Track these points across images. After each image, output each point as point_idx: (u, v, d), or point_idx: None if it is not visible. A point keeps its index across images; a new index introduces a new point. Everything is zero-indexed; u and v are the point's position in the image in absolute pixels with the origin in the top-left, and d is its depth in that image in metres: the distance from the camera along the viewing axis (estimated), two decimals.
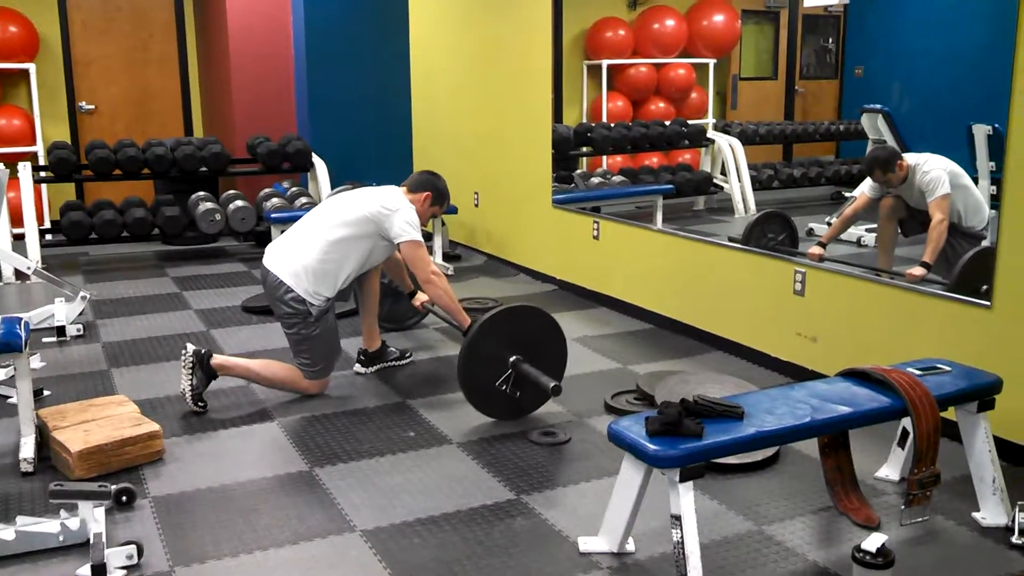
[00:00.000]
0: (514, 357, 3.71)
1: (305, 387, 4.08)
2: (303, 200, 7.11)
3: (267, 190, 7.34)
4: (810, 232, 5.52)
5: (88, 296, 5.21)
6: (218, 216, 6.96)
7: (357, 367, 4.48)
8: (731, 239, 4.97)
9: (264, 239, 7.12)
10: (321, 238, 3.97)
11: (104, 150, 6.99)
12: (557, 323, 3.88)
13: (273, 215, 6.40)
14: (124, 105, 8.82)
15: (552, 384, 3.58)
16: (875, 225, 4.80)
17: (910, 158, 4.48)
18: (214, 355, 3.94)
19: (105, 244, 6.98)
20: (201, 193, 7.19)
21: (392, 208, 3.95)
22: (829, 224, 5.00)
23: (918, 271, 4.06)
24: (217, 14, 8.19)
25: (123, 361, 4.61)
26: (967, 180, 4.42)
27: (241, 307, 5.61)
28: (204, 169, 7.20)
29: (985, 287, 3.38)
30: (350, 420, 3.83)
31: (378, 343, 4.48)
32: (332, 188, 7.19)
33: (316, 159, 7.42)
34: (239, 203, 7.08)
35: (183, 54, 8.97)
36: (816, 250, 4.58)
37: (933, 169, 4.40)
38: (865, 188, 4.67)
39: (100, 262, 7.12)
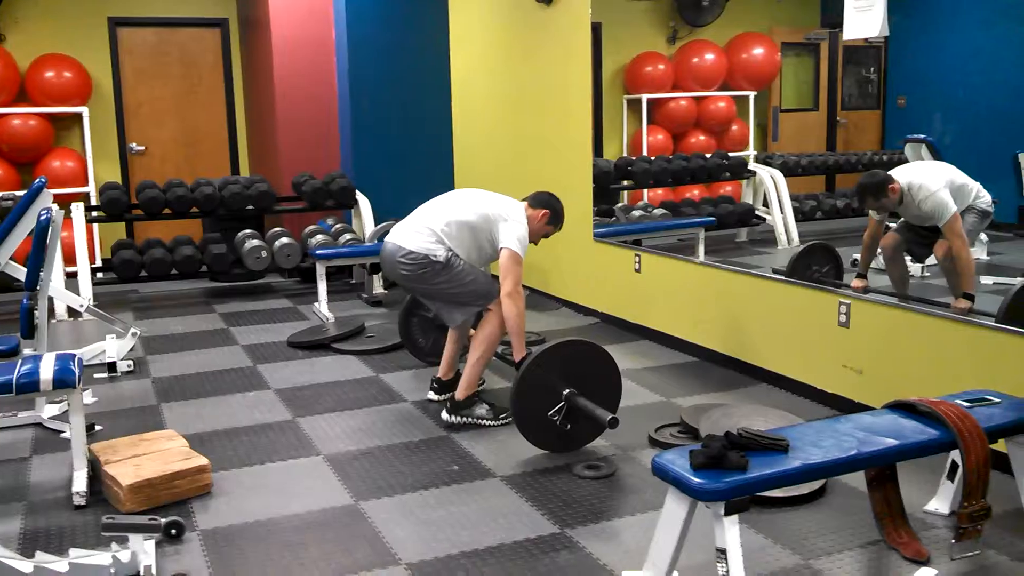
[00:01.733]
0: (568, 390, 3.72)
1: (497, 325, 4.10)
2: (347, 236, 7.21)
3: (312, 227, 7.45)
4: (854, 263, 5.48)
5: (138, 332, 5.32)
6: (264, 253, 7.07)
7: (430, 394, 4.53)
8: (775, 271, 4.95)
9: (309, 275, 7.22)
10: (443, 218, 4.08)
11: (154, 190, 7.15)
12: (611, 357, 3.88)
13: (318, 251, 6.49)
14: (173, 146, 9.03)
15: (609, 417, 3.59)
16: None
17: (901, 178, 4.40)
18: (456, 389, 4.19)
19: (155, 281, 7.12)
20: (247, 231, 7.32)
21: (508, 217, 4.05)
22: (854, 261, 4.97)
23: (963, 304, 4.01)
24: (263, 56, 8.38)
25: (172, 396, 4.69)
26: (959, 175, 4.36)
27: (287, 342, 5.68)
28: (251, 207, 7.33)
29: None
30: (394, 453, 3.86)
31: (453, 373, 4.52)
32: (376, 224, 7.28)
33: (360, 196, 7.53)
34: (285, 240, 7.20)
35: (230, 95, 9.18)
36: (858, 282, 4.55)
37: (933, 193, 4.31)
38: (872, 212, 4.64)
39: (150, 299, 7.26)
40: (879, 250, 4.68)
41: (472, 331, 4.52)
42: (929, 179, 4.36)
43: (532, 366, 3.71)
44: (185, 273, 7.08)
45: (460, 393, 4.17)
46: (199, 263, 7.08)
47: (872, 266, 4.69)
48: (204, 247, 7.15)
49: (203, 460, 3.49)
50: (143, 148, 8.88)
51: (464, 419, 4.15)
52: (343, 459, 3.80)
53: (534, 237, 4.20)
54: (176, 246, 7.14)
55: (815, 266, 5.02)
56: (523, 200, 4.22)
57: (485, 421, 4.15)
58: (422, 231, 4.08)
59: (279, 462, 3.79)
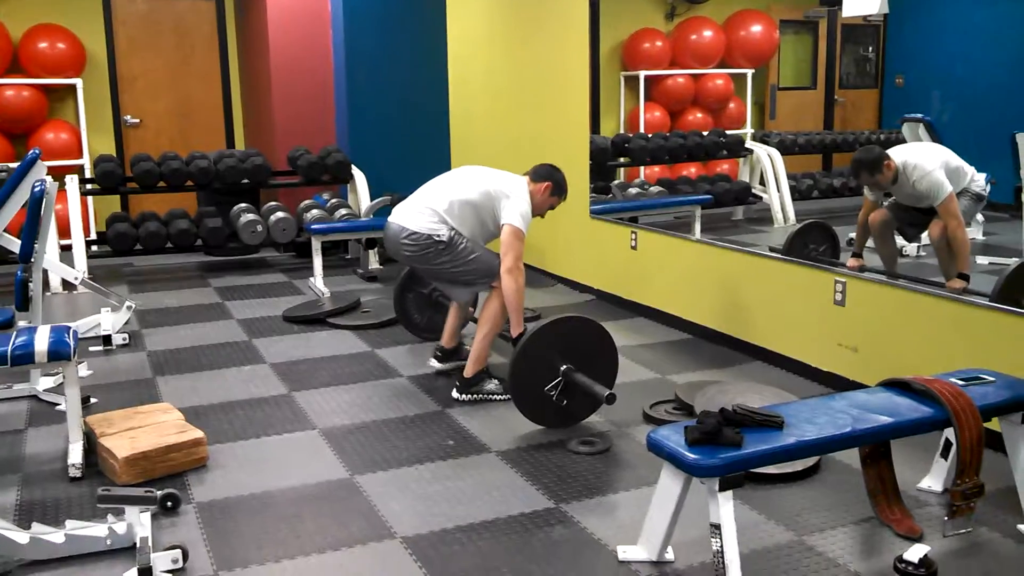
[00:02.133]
0: (565, 366, 3.73)
1: (502, 302, 4.09)
2: (343, 211, 7.19)
3: (307, 202, 7.43)
4: (850, 242, 5.48)
5: (133, 306, 5.31)
6: (259, 227, 7.06)
7: (432, 361, 4.57)
8: (772, 249, 4.95)
9: (304, 250, 7.21)
10: (445, 198, 4.10)
11: (149, 163, 7.12)
12: (608, 333, 3.89)
13: (314, 226, 6.48)
14: (168, 118, 8.98)
15: (607, 393, 3.60)
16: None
17: (896, 157, 4.39)
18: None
19: (149, 255, 7.10)
20: (243, 205, 7.29)
21: (511, 193, 4.07)
22: (850, 240, 4.97)
23: (958, 284, 4.02)
24: (258, 28, 8.32)
25: (167, 370, 4.69)
26: (954, 158, 4.38)
27: (282, 317, 5.67)
28: (246, 181, 7.31)
29: None
30: (390, 428, 3.86)
31: (455, 343, 4.56)
32: (371, 199, 7.27)
33: (356, 171, 7.50)
34: (280, 214, 7.18)
35: (225, 68, 9.12)
36: (853, 261, 4.55)
37: (928, 172, 4.31)
38: (867, 192, 4.64)
39: (145, 273, 7.24)
40: (870, 228, 4.68)
41: (472, 309, 4.53)
42: (925, 159, 4.35)
43: (529, 342, 3.72)
44: (180, 247, 7.06)
45: (469, 370, 4.18)
46: (194, 236, 7.06)
47: (868, 245, 4.69)
48: (199, 221, 7.12)
49: (199, 433, 3.50)
50: (138, 120, 8.83)
51: (474, 396, 4.17)
52: (338, 433, 3.81)
53: (539, 210, 4.21)
54: (171, 219, 7.12)
55: (811, 244, 5.02)
56: (524, 175, 4.21)
57: (495, 396, 4.16)
58: (424, 211, 4.08)
59: (274, 436, 3.79)
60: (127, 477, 3.25)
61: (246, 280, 6.88)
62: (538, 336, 3.73)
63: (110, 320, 5.12)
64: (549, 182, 4.19)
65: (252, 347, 5.08)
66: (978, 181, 4.40)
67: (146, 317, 5.72)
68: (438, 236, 4.03)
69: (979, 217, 5.09)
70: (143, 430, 3.47)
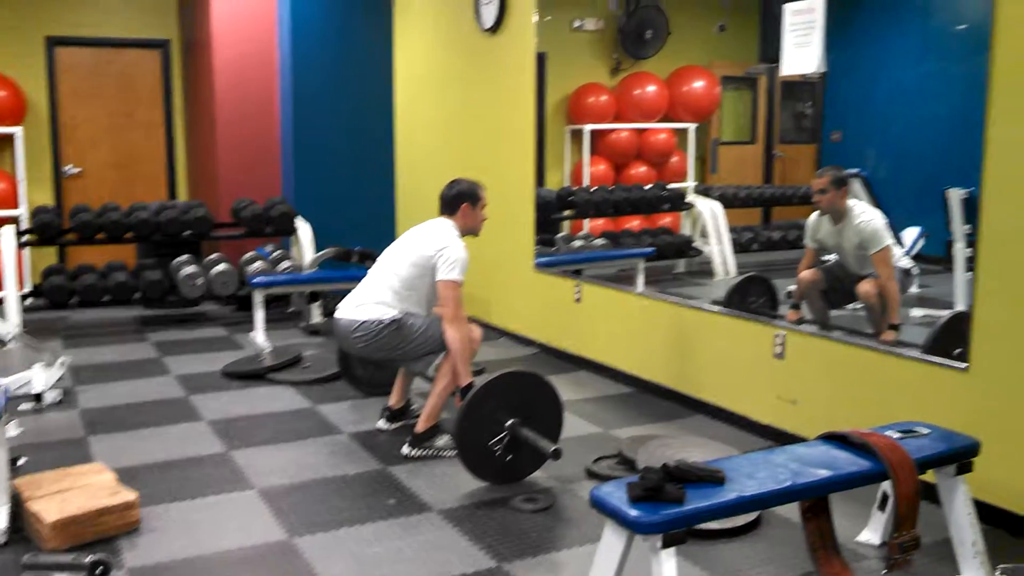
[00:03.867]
0: (511, 420, 3.70)
1: (463, 347, 4.05)
2: (286, 264, 7.13)
3: (250, 254, 7.35)
4: (788, 294, 5.56)
5: (67, 362, 5.18)
6: (200, 280, 6.96)
7: (381, 423, 4.51)
8: (714, 302, 5.01)
9: (246, 303, 7.12)
10: (385, 286, 4.12)
11: (88, 214, 7.00)
12: (553, 387, 3.88)
13: (255, 279, 6.40)
14: (109, 169, 8.86)
15: (553, 448, 3.59)
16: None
17: (849, 201, 4.53)
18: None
19: (86, 308, 6.95)
20: (184, 257, 7.19)
21: (439, 248, 4.06)
22: (789, 293, 5.06)
23: (891, 335, 4.11)
24: (204, 78, 8.28)
25: (101, 428, 4.56)
26: (891, 232, 4.52)
27: (222, 372, 5.57)
28: (188, 233, 7.21)
29: (959, 350, 3.41)
30: (330, 487, 3.79)
31: (404, 402, 4.53)
32: (316, 251, 7.21)
33: (300, 222, 7.45)
34: (222, 267, 7.09)
35: (169, 118, 9.05)
36: (792, 313, 4.62)
37: (875, 219, 4.44)
38: (807, 240, 4.74)
39: (81, 327, 7.08)
40: (801, 287, 4.78)
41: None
42: (872, 211, 4.51)
43: (476, 396, 3.69)
44: (118, 300, 6.92)
45: (421, 425, 4.14)
46: (133, 289, 6.93)
47: None
48: (138, 273, 7.01)
49: (132, 495, 3.40)
50: (79, 170, 8.70)
51: (425, 451, 4.12)
52: (277, 493, 3.73)
53: (476, 229, 4.27)
54: (109, 272, 6.99)
55: (751, 297, 5.08)
56: (441, 215, 4.23)
57: (447, 452, 4.12)
58: (367, 303, 4.12)
59: (211, 496, 3.70)
60: (55, 543, 3.14)
61: (185, 334, 6.76)
62: (485, 390, 3.71)
63: (42, 376, 4.97)
64: (463, 202, 4.21)
65: (190, 404, 4.98)
66: (904, 259, 4.58)
67: (80, 373, 5.59)
68: (385, 318, 4.04)
69: (914, 270, 5.21)
70: (73, 492, 3.36)
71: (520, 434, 3.69)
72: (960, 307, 4.33)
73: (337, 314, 4.23)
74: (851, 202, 4.54)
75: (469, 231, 4.25)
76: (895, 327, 4.17)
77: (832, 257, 4.78)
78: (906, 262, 4.65)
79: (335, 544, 3.26)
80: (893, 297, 4.35)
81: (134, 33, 8.80)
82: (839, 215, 4.53)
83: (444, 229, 4.15)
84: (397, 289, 4.11)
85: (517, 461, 3.77)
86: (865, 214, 4.49)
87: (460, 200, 4.21)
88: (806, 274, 4.71)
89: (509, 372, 3.87)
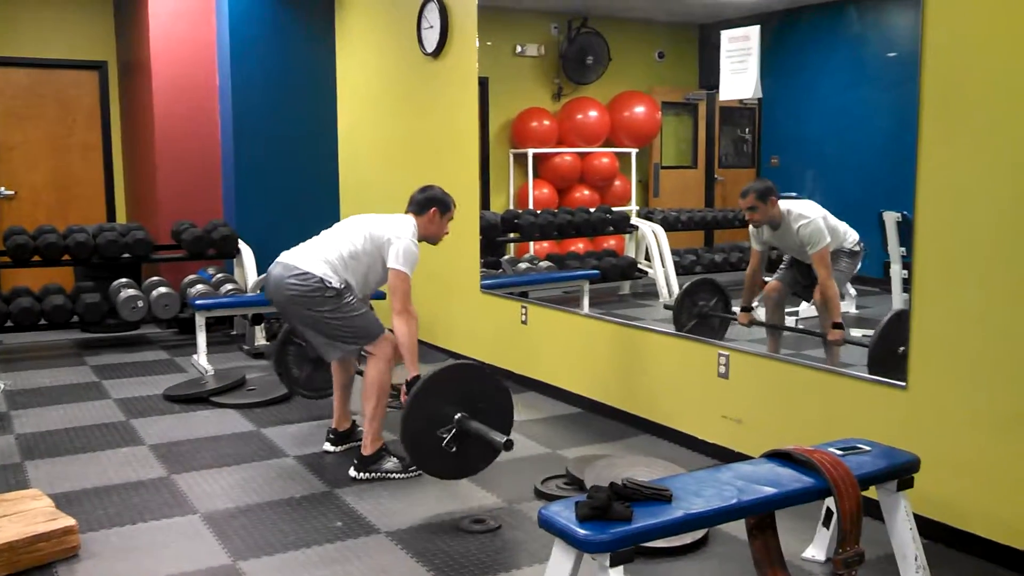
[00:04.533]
0: (459, 414, 3.68)
1: (381, 369, 4.04)
2: (229, 286, 7.04)
3: (191, 276, 7.26)
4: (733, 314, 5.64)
5: (2, 386, 5.05)
6: (140, 303, 6.84)
7: (327, 446, 4.44)
8: (666, 306, 5.08)
9: (187, 326, 7.01)
10: (335, 249, 4.05)
11: (23, 236, 6.84)
12: (501, 381, 3.88)
13: (197, 301, 6.31)
14: (46, 191, 8.69)
15: (504, 439, 3.57)
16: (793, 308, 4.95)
17: (782, 205, 4.64)
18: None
19: (22, 332, 6.78)
20: (123, 280, 7.07)
21: (395, 236, 4.03)
22: (751, 307, 5.13)
23: (837, 334, 4.22)
24: (143, 100, 8.17)
25: (38, 453, 4.45)
26: (831, 217, 4.64)
27: (163, 396, 5.48)
28: (127, 255, 7.09)
29: (903, 348, 3.49)
30: (275, 510, 3.74)
31: (348, 423, 4.46)
32: (259, 274, 7.14)
33: (242, 245, 7.37)
34: (162, 290, 6.98)
35: (107, 140, 8.91)
36: (744, 316, 4.73)
37: (811, 220, 4.55)
38: (753, 242, 4.85)
39: (16, 351, 6.90)
40: (761, 297, 4.87)
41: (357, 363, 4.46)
42: (807, 209, 4.62)
43: (422, 389, 3.66)
44: (55, 324, 6.76)
45: (367, 448, 4.10)
46: (70, 313, 6.79)
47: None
48: (76, 296, 6.86)
49: (70, 521, 3.31)
50: (12, 192, 8.51)
51: (372, 475, 4.08)
52: (221, 517, 3.67)
53: (437, 237, 4.26)
54: (45, 295, 6.83)
55: (701, 302, 5.16)
56: (408, 212, 4.23)
57: (394, 475, 4.08)
58: (315, 258, 4.03)
59: (152, 521, 3.62)
60: None
61: (125, 358, 6.63)
62: (429, 383, 3.68)
63: None
64: (433, 207, 4.20)
65: (130, 428, 4.88)
66: (851, 237, 4.69)
67: (16, 397, 5.44)
68: (329, 282, 3.97)
69: (851, 291, 5.33)
70: (8, 519, 3.27)
71: (469, 427, 3.66)
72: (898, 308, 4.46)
73: (278, 259, 4.10)
74: (785, 206, 4.63)
75: (429, 238, 4.24)
76: (838, 325, 4.28)
77: (782, 263, 4.90)
78: (852, 241, 4.71)
79: (281, 568, 3.22)
80: (833, 295, 4.48)
81: (71, 55, 8.67)
82: (776, 223, 4.64)
83: (406, 223, 4.14)
84: (344, 256, 4.03)
85: (468, 455, 3.74)
86: (803, 216, 4.58)
87: (431, 204, 4.20)
88: (770, 286, 4.83)
89: (455, 364, 3.85)
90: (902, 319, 3.51)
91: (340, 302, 3.99)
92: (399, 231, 4.06)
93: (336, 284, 3.98)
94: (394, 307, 3.99)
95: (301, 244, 4.20)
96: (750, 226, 4.86)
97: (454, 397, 3.71)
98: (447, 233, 4.33)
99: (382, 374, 4.07)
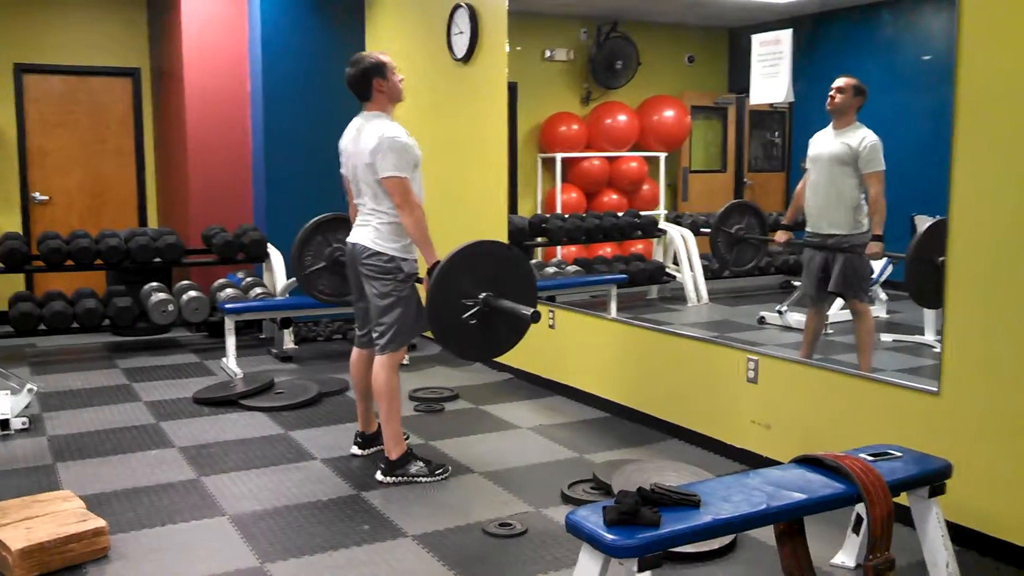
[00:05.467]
0: (485, 293, 3.66)
1: (388, 374, 4.04)
2: (258, 290, 7.08)
3: (221, 280, 7.31)
4: (761, 320, 5.60)
5: (35, 388, 5.11)
6: (171, 307, 6.90)
7: (354, 449, 4.46)
8: (704, 226, 5.08)
9: (217, 329, 7.06)
10: (369, 191, 4.03)
11: (56, 240, 6.93)
12: (522, 254, 3.90)
13: (227, 305, 6.36)
14: (79, 196, 8.79)
15: (532, 311, 3.57)
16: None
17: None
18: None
19: (54, 335, 6.87)
20: (154, 283, 7.14)
21: (378, 147, 3.95)
22: (780, 311, 5.10)
23: (876, 246, 4.35)
24: (175, 107, 8.26)
25: (69, 455, 4.50)
26: None
27: (193, 399, 5.52)
28: (158, 260, 7.16)
29: (942, 258, 3.42)
30: (302, 513, 3.76)
31: (375, 426, 4.45)
32: (288, 278, 7.18)
33: (272, 250, 7.42)
34: (192, 293, 7.04)
35: (140, 146, 9.00)
36: (781, 235, 4.71)
37: (874, 140, 4.48)
38: (808, 160, 4.78)
39: (48, 354, 6.99)
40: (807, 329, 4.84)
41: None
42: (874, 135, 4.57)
43: (443, 272, 3.67)
44: (87, 327, 6.84)
45: (391, 452, 4.10)
46: (102, 316, 6.86)
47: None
48: (108, 300, 6.93)
49: (100, 522, 3.35)
50: (47, 198, 8.62)
51: (399, 478, 4.08)
52: (249, 519, 3.69)
53: (398, 96, 4.19)
54: (78, 299, 6.91)
55: (737, 226, 5.16)
56: (364, 108, 4.18)
57: (421, 478, 4.09)
58: (382, 234, 4.02)
59: (181, 523, 3.65)
60: (21, 571, 3.08)
61: (156, 361, 6.69)
62: (450, 264, 3.67)
63: (9, 403, 4.90)
64: (372, 79, 4.09)
65: (160, 430, 4.92)
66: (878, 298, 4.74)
67: (48, 400, 5.51)
68: (402, 263, 4.00)
69: (882, 295, 5.28)
70: (40, 520, 3.31)
71: (495, 304, 3.64)
72: (929, 334, 4.39)
73: (351, 239, 4.15)
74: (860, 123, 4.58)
75: (394, 101, 4.16)
76: (879, 238, 4.41)
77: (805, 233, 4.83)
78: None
79: (307, 570, 3.22)
80: (881, 210, 4.47)
81: (104, 61, 8.77)
82: (844, 122, 4.56)
83: (372, 123, 4.06)
84: (374, 208, 4.02)
85: (497, 331, 3.74)
86: (870, 133, 4.52)
87: (368, 79, 4.10)
88: (809, 321, 4.81)
89: (474, 243, 3.84)
90: (939, 229, 3.45)
91: (404, 290, 4.02)
92: (371, 142, 3.97)
93: (405, 268, 4.00)
94: (396, 204, 3.94)
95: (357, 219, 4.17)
96: (810, 141, 4.77)
97: (476, 276, 3.69)
98: (403, 79, 4.23)
99: (389, 379, 4.08)
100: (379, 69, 4.10)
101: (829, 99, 4.59)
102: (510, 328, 3.77)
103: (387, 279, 4.01)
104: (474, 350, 3.75)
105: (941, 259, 3.42)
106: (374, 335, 4.12)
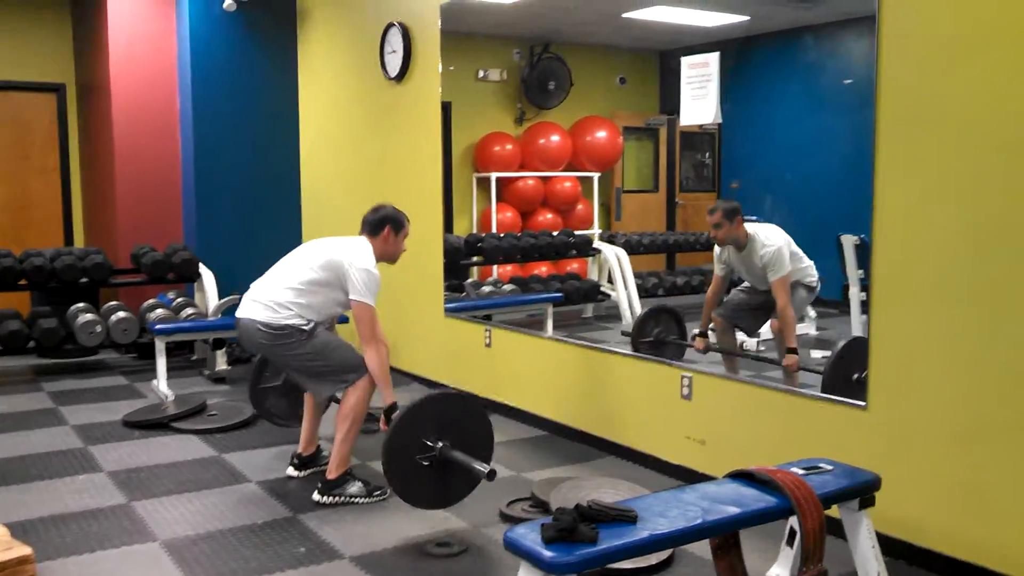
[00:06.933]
0: (442, 443, 3.64)
1: (360, 397, 4.02)
2: (189, 311, 6.97)
3: (151, 301, 7.17)
4: (694, 337, 5.67)
5: None
6: (99, 328, 6.75)
7: (290, 470, 4.41)
8: (624, 333, 5.13)
9: (147, 351, 6.92)
10: (292, 283, 4.00)
11: None
12: (482, 409, 3.87)
13: (157, 326, 6.23)
14: (1, 214, 8.56)
15: (487, 469, 3.55)
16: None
17: (747, 228, 4.72)
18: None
19: None
20: (80, 304, 6.97)
21: (354, 262, 3.96)
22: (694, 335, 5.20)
23: (792, 359, 4.27)
24: (102, 123, 8.10)
25: None
26: (795, 246, 4.72)
27: (122, 422, 5.40)
28: (85, 280, 7.00)
29: (858, 375, 3.54)
30: (237, 537, 3.70)
31: (314, 448, 4.42)
32: (220, 298, 7.08)
33: (203, 269, 7.31)
34: (121, 314, 6.89)
35: (65, 162, 8.81)
36: (700, 342, 4.77)
37: (776, 247, 4.63)
38: (716, 267, 4.92)
39: None
40: (712, 326, 4.93)
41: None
42: (773, 235, 4.70)
43: (403, 419, 3.62)
44: (10, 349, 6.64)
45: (332, 472, 4.06)
46: (27, 338, 6.67)
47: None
48: (33, 321, 6.75)
49: (26, 550, 3.25)
50: None
51: (336, 499, 4.04)
52: (182, 544, 3.62)
53: (393, 258, 4.22)
54: (1, 320, 6.72)
55: (658, 328, 5.21)
56: (362, 234, 4.18)
57: (358, 499, 4.05)
58: (272, 304, 3.99)
59: (111, 549, 3.56)
60: None
61: (83, 384, 6.53)
62: (414, 411, 3.64)
63: None
64: (387, 226, 4.16)
65: (88, 454, 4.80)
66: (812, 275, 4.76)
67: None
68: (298, 325, 3.94)
69: (811, 312, 5.40)
70: None
71: (452, 456, 3.63)
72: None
73: (239, 313, 4.09)
74: (752, 228, 4.72)
75: (387, 258, 4.20)
76: (793, 350, 4.37)
77: (740, 286, 4.95)
78: (812, 278, 4.79)
79: None
80: (790, 321, 4.55)
81: (28, 76, 8.58)
82: (741, 244, 4.70)
83: (363, 247, 4.08)
84: (304, 288, 3.98)
85: (450, 484, 3.71)
86: (768, 240, 4.66)
87: (384, 223, 4.16)
88: (716, 323, 4.89)
89: (437, 394, 3.82)
90: (855, 347, 3.57)
91: (313, 340, 3.98)
92: (357, 257, 4.00)
93: (304, 325, 3.96)
94: (363, 336, 3.95)
95: (261, 279, 4.15)
96: (715, 249, 4.92)
97: (435, 426, 3.68)
98: (404, 250, 4.30)
99: (361, 403, 4.05)
100: (398, 222, 4.21)
101: (712, 235, 4.77)
102: (463, 482, 3.75)
103: (291, 341, 3.97)
104: (424, 498, 3.71)
105: (856, 376, 3.55)
106: (337, 385, 4.08)
